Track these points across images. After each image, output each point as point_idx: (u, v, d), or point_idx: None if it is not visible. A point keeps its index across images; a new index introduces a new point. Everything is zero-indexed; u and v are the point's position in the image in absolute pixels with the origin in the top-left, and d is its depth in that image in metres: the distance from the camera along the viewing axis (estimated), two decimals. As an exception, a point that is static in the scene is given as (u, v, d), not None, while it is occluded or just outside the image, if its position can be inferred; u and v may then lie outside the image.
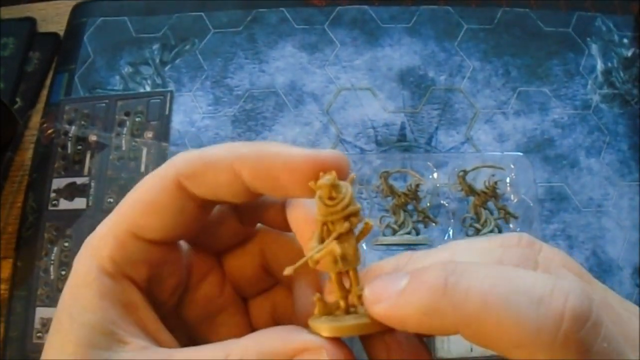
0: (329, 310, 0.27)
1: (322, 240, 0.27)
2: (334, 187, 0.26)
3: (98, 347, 0.26)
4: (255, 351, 0.25)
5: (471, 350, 0.57)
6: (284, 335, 0.26)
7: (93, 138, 0.68)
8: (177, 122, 0.70)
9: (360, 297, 0.27)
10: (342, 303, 0.27)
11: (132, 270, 0.29)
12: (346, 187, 0.26)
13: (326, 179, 0.26)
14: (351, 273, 0.27)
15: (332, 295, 0.28)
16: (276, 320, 0.34)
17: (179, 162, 0.28)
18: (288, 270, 0.25)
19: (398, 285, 0.24)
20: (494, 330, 0.22)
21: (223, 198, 0.29)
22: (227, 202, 0.30)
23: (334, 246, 0.26)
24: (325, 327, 0.26)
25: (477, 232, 0.62)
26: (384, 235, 0.63)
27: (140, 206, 0.29)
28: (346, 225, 0.26)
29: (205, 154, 0.28)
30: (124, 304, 0.28)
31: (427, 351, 0.27)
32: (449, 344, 0.57)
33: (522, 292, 0.21)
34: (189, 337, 0.33)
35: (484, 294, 0.22)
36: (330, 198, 0.26)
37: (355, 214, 0.26)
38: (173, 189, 0.28)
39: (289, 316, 0.33)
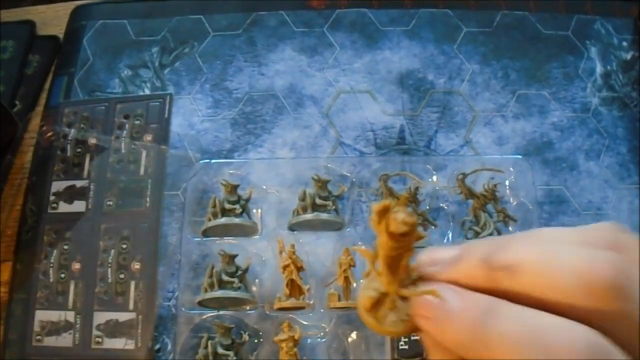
0: (376, 303, 0.27)
1: (389, 272, 0.26)
2: (411, 225, 0.25)
3: None
4: None
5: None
6: None
7: (92, 141, 0.68)
8: (177, 125, 0.70)
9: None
10: (389, 299, 0.27)
11: None
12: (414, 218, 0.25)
13: (405, 216, 0.24)
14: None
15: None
16: None
17: None
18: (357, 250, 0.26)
19: (442, 306, 0.25)
20: None
21: None
22: None
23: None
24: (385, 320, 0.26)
25: (476, 235, 0.62)
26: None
27: None
28: (411, 252, 0.26)
29: None
30: None
31: None
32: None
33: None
34: None
35: (516, 342, 0.22)
36: (404, 235, 0.25)
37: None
38: None
39: None
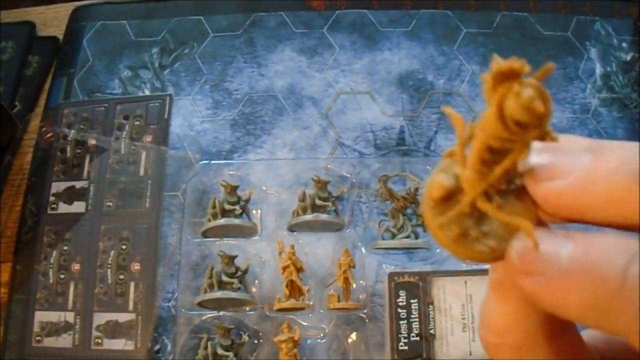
0: (448, 197, 0.20)
1: (481, 167, 0.19)
2: (537, 116, 0.17)
3: None
4: None
5: (470, 354, 0.57)
6: None
7: (92, 142, 0.68)
8: (176, 125, 0.70)
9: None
10: (469, 198, 0.19)
11: None
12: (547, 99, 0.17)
13: (534, 99, 0.16)
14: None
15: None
16: None
17: None
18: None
19: (557, 260, 0.18)
20: None
21: None
22: None
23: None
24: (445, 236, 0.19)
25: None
26: (383, 239, 0.63)
27: None
28: (527, 151, 0.18)
29: None
30: None
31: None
32: (448, 347, 0.57)
33: None
34: None
35: None
36: (522, 124, 0.17)
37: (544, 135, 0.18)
38: None
39: None
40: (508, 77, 0.16)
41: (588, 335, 0.22)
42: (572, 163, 0.19)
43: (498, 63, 0.16)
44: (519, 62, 0.16)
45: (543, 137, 0.18)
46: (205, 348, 0.58)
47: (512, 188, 0.19)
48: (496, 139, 0.17)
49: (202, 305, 0.61)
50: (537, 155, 0.19)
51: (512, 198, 0.19)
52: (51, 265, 0.63)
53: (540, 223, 0.20)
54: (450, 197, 0.20)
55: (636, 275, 0.17)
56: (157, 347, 0.60)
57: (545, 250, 0.18)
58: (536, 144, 0.19)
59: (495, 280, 0.21)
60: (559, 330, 0.20)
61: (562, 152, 0.19)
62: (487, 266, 0.21)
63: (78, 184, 0.67)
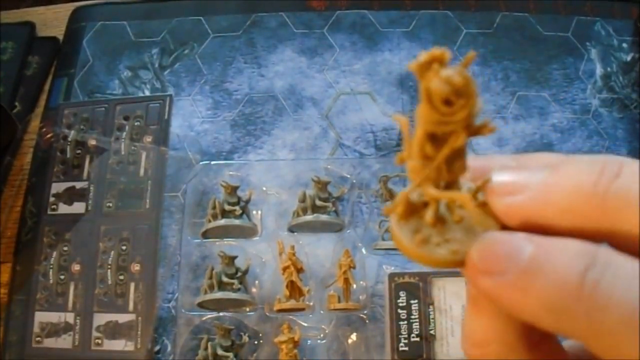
0: (413, 211, 0.21)
1: (424, 153, 0.20)
2: (465, 88, 0.18)
3: None
4: None
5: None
6: None
7: (92, 142, 0.68)
8: (176, 126, 0.70)
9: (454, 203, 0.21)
10: (432, 209, 0.21)
11: None
12: (470, 81, 0.18)
13: (454, 74, 0.18)
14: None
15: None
16: None
17: None
18: (389, 211, 0.21)
19: (517, 260, 0.19)
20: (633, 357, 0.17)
21: None
22: None
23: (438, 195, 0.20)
24: (414, 250, 0.20)
25: None
26: (384, 239, 0.63)
27: None
28: (462, 138, 0.19)
29: None
30: None
31: None
32: (448, 348, 0.57)
33: None
34: None
35: (630, 309, 0.17)
36: (447, 102, 0.18)
37: (476, 115, 0.19)
38: None
39: None
40: (432, 64, 0.18)
41: (569, 345, 0.23)
42: (530, 178, 0.20)
43: (422, 53, 0.18)
44: (440, 50, 0.18)
45: (479, 129, 0.19)
46: (206, 349, 0.58)
47: (477, 203, 0.21)
48: (431, 124, 0.18)
49: (202, 305, 0.61)
50: (499, 173, 0.21)
51: (477, 211, 0.21)
52: (51, 266, 0.63)
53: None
54: (414, 210, 0.21)
55: (594, 280, 0.17)
56: (157, 348, 0.60)
57: (505, 249, 0.19)
58: (499, 163, 0.21)
59: (472, 293, 0.22)
60: (538, 341, 0.21)
61: (522, 169, 0.20)
62: None
63: (78, 185, 0.67)
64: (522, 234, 0.19)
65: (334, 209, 0.63)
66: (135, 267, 0.62)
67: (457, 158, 0.20)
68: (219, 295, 0.59)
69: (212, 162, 0.68)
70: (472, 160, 0.21)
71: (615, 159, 0.19)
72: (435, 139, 0.19)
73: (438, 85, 0.18)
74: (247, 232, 0.64)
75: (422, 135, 0.19)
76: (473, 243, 0.20)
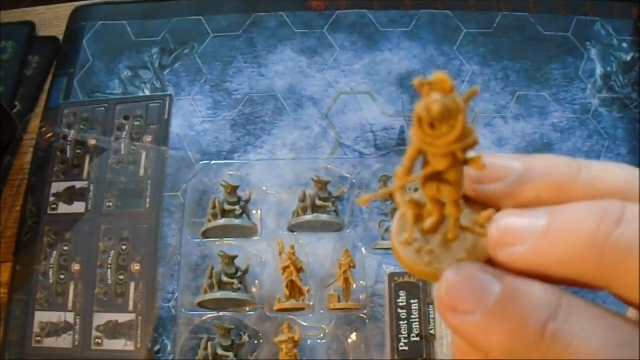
0: (419, 216, 0.22)
1: (411, 164, 0.21)
2: (442, 117, 0.19)
3: None
4: None
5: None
6: None
7: (92, 142, 0.68)
8: (177, 126, 0.70)
9: (463, 227, 0.22)
10: (434, 218, 0.22)
11: None
12: (460, 112, 0.19)
13: (436, 102, 0.19)
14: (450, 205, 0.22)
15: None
16: None
17: None
18: (361, 201, 0.22)
19: (484, 302, 0.19)
20: None
21: None
22: None
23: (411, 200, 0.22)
24: (411, 259, 0.21)
25: None
26: (384, 239, 0.63)
27: None
28: (445, 162, 0.20)
29: None
30: None
31: None
32: (449, 347, 0.57)
33: None
34: None
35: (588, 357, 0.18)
36: (432, 125, 0.19)
37: (465, 148, 0.20)
38: None
39: None
40: (434, 87, 0.19)
41: None
42: (531, 227, 0.20)
43: (435, 73, 0.19)
44: (440, 75, 0.19)
45: (468, 161, 0.20)
46: (206, 348, 0.58)
47: (478, 232, 0.21)
48: (419, 141, 0.20)
49: (203, 305, 0.61)
50: (499, 218, 0.21)
51: (469, 235, 0.22)
52: (51, 266, 0.63)
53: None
54: (420, 217, 0.22)
55: (554, 331, 0.18)
56: (157, 348, 0.60)
57: (474, 288, 0.19)
58: (504, 163, 0.22)
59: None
60: None
61: (522, 214, 0.20)
62: None
63: (78, 184, 0.67)
64: (492, 271, 0.20)
65: (334, 208, 0.63)
66: (135, 267, 0.62)
67: (444, 182, 0.21)
68: (219, 295, 0.59)
69: (212, 162, 0.68)
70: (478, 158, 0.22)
71: (616, 205, 0.19)
72: (424, 158, 0.21)
73: (419, 108, 0.19)
74: (247, 232, 0.64)
75: (414, 149, 0.21)
76: (444, 266, 0.21)
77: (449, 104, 0.19)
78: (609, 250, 0.18)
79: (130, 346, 0.60)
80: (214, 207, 0.63)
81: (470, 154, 0.20)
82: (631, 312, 0.21)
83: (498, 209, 0.21)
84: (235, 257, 0.61)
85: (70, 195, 0.66)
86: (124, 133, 0.69)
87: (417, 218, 0.22)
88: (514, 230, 0.20)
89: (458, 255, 0.21)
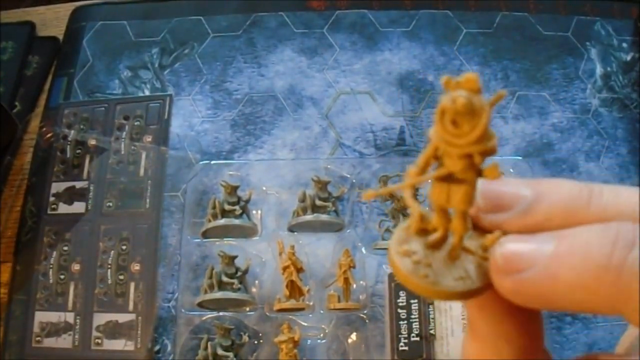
0: (423, 229, 0.22)
1: (425, 165, 0.21)
2: (466, 111, 0.19)
3: None
4: None
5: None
6: None
7: (92, 142, 0.68)
8: (176, 126, 0.70)
9: (465, 249, 0.21)
10: (438, 234, 0.22)
11: None
12: (484, 112, 0.19)
13: (462, 95, 0.19)
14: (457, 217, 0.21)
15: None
16: None
17: None
18: (367, 195, 0.22)
19: (542, 251, 0.19)
20: None
21: None
22: None
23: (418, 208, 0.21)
24: (410, 276, 0.21)
25: None
26: (384, 239, 0.63)
27: None
28: (460, 164, 0.20)
29: None
30: None
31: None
32: (448, 348, 0.57)
33: None
34: None
35: None
36: (455, 122, 0.19)
37: (485, 152, 0.19)
38: None
39: None
40: (462, 86, 0.19)
41: None
42: (537, 252, 0.19)
43: (465, 75, 0.19)
44: (472, 75, 0.19)
45: (484, 171, 0.20)
46: (205, 348, 0.58)
47: (481, 255, 0.21)
48: (438, 139, 0.19)
49: (202, 305, 0.61)
50: (503, 244, 0.20)
51: (471, 257, 0.21)
52: (51, 266, 0.63)
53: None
54: (424, 231, 0.22)
55: (623, 259, 0.18)
56: (157, 348, 0.60)
57: (529, 247, 0.19)
58: (513, 191, 0.21)
59: (470, 319, 0.23)
60: None
61: (527, 239, 0.20)
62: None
63: (78, 184, 0.67)
64: (545, 234, 0.19)
65: (333, 208, 0.63)
66: (135, 267, 0.62)
67: (457, 188, 0.20)
68: (219, 295, 0.59)
69: (212, 162, 0.68)
70: (486, 184, 0.21)
71: (629, 227, 0.18)
72: (439, 158, 0.20)
73: (445, 100, 0.19)
74: (247, 232, 0.64)
75: (431, 148, 0.20)
76: (440, 281, 0.21)
77: (475, 101, 0.18)
78: (625, 274, 0.17)
79: (130, 346, 0.60)
80: (214, 207, 0.63)
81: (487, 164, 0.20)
82: (631, 330, 0.21)
83: (504, 232, 0.21)
84: (235, 257, 0.61)
85: (70, 195, 0.66)
86: (124, 133, 0.69)
87: (421, 232, 0.22)
88: (521, 255, 0.19)
89: (457, 273, 0.21)
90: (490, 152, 0.19)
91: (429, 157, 0.20)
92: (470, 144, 0.19)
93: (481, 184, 0.21)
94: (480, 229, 0.22)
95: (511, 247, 0.20)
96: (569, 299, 0.19)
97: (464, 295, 0.21)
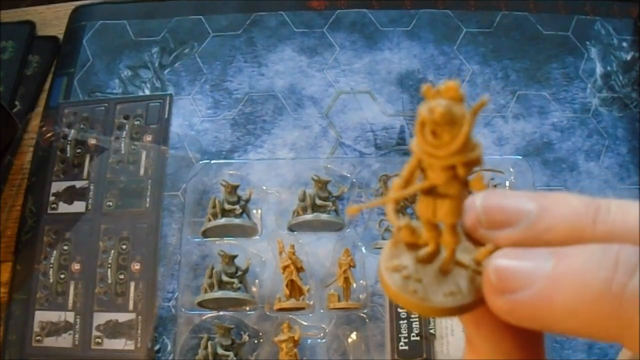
0: (414, 244, 0.21)
1: (409, 177, 0.20)
2: (445, 121, 0.18)
3: None
4: None
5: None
6: None
7: (92, 141, 0.68)
8: (177, 125, 0.70)
9: (458, 263, 0.21)
10: (430, 247, 0.21)
11: None
12: (465, 121, 0.18)
13: (440, 104, 0.18)
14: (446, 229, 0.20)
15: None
16: None
17: None
18: (350, 210, 0.21)
19: (539, 271, 0.18)
20: None
21: None
22: None
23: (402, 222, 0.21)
24: (402, 295, 0.20)
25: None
26: (384, 238, 0.63)
27: None
28: (443, 176, 0.19)
29: None
30: None
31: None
32: (448, 347, 0.57)
33: None
34: None
35: None
36: (435, 133, 0.18)
37: (468, 163, 0.19)
38: None
39: None
40: (442, 94, 0.18)
41: None
42: (534, 271, 0.18)
43: (445, 82, 0.18)
44: (451, 83, 0.18)
45: (470, 182, 0.19)
46: (206, 348, 0.58)
47: (474, 268, 0.20)
48: (420, 150, 0.19)
49: (202, 305, 0.61)
50: (497, 259, 0.19)
51: (464, 272, 0.21)
52: (51, 265, 0.63)
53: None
54: (415, 245, 0.21)
55: (623, 285, 0.17)
56: (157, 347, 0.60)
57: (525, 266, 0.18)
58: (516, 204, 0.20)
59: (468, 335, 0.22)
60: None
61: (523, 256, 0.19)
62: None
63: (78, 184, 0.67)
64: (542, 251, 0.19)
65: (334, 208, 0.63)
66: (135, 266, 0.62)
67: (442, 201, 0.20)
68: (219, 294, 0.59)
69: (212, 161, 0.68)
70: (487, 198, 0.21)
71: (630, 252, 0.17)
72: (419, 163, 0.20)
73: (423, 109, 0.18)
74: (247, 231, 0.64)
75: (413, 161, 0.20)
76: (430, 297, 0.20)
77: (455, 110, 0.18)
78: (625, 302, 0.17)
79: (130, 345, 0.60)
80: (214, 207, 0.63)
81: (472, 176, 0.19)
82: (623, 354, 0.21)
83: (498, 245, 0.20)
84: (235, 256, 0.61)
85: (70, 195, 0.66)
86: (124, 132, 0.69)
87: (411, 246, 0.21)
88: (515, 274, 0.19)
89: (448, 288, 0.20)
90: (474, 162, 0.19)
91: (412, 170, 0.20)
92: (451, 155, 0.18)
93: (482, 198, 0.20)
94: (474, 241, 0.21)
95: (505, 263, 0.19)
96: (566, 324, 0.18)
97: (454, 311, 0.20)
